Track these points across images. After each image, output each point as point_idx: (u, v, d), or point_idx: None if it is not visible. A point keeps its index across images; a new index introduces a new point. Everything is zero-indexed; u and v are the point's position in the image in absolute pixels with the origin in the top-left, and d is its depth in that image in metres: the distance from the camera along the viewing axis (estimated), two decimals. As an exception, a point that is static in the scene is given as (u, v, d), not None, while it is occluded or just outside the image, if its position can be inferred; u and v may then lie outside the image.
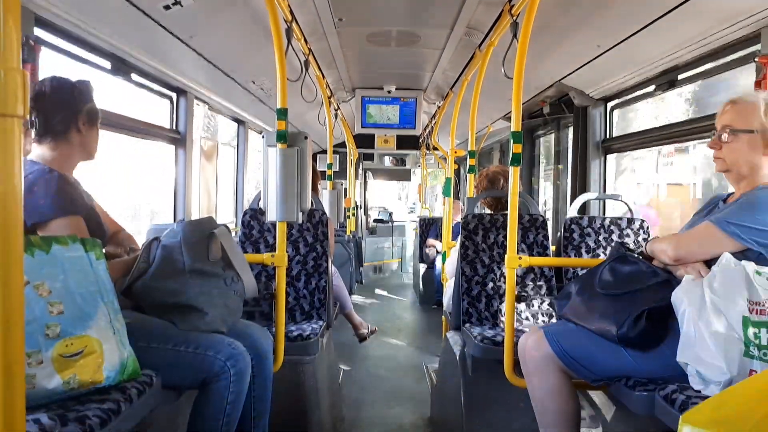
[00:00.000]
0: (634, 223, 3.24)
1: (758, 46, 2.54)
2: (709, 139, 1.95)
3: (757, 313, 1.56)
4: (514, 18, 2.76)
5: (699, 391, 1.63)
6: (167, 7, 2.72)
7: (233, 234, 4.33)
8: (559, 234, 3.36)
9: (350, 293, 6.06)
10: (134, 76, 3.40)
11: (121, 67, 3.20)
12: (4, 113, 0.75)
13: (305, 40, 3.64)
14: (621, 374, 1.92)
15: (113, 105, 3.21)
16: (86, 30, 2.67)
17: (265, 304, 2.98)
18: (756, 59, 2.46)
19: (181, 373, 1.88)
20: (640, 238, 3.21)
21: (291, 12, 3.00)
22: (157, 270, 1.95)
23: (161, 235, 2.04)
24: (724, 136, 1.87)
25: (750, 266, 1.62)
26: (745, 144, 1.84)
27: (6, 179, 0.77)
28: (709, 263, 1.76)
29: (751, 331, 1.55)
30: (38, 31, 2.48)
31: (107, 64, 3.10)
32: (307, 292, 3.28)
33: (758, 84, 2.42)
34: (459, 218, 4.70)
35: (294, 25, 3.02)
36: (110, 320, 1.50)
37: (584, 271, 2.46)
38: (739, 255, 1.69)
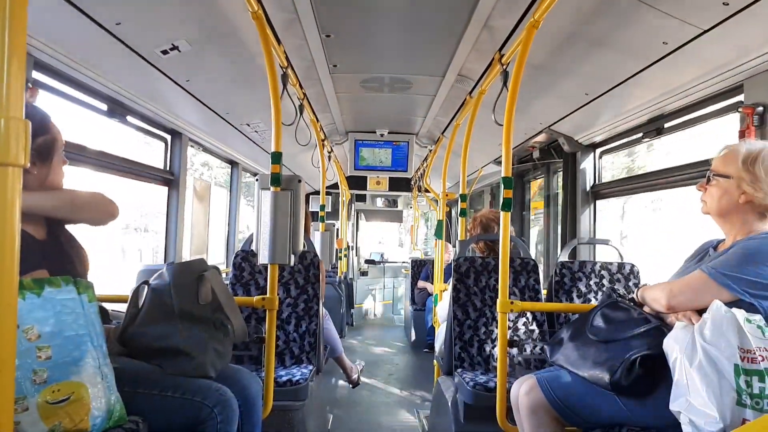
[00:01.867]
0: (624, 267, 3.25)
1: (741, 97, 2.62)
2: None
3: (748, 361, 1.56)
4: (504, 67, 2.83)
5: (692, 441, 1.61)
6: (165, 52, 2.77)
7: (224, 275, 4.30)
8: (550, 278, 3.36)
9: (341, 336, 5.99)
10: (129, 118, 3.44)
11: (117, 109, 3.25)
12: (6, 162, 0.75)
13: (300, 85, 3.70)
14: (614, 422, 1.90)
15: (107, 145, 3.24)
16: (84, 74, 2.71)
17: (254, 347, 2.93)
18: (740, 109, 2.53)
19: (167, 419, 1.83)
20: (630, 283, 3.21)
21: (287, 58, 3.06)
22: (146, 314, 1.92)
23: (150, 278, 2.03)
24: (708, 180, 1.91)
25: (740, 314, 1.63)
26: (721, 188, 1.87)
27: (5, 227, 0.76)
28: (700, 310, 1.77)
29: (742, 379, 1.54)
30: (36, 74, 2.52)
31: (103, 107, 3.15)
32: (297, 335, 3.24)
33: (742, 133, 2.48)
34: (450, 258, 4.70)
35: (289, 71, 3.08)
36: (99, 365, 1.48)
37: (576, 316, 2.46)
38: (731, 304, 1.69)
